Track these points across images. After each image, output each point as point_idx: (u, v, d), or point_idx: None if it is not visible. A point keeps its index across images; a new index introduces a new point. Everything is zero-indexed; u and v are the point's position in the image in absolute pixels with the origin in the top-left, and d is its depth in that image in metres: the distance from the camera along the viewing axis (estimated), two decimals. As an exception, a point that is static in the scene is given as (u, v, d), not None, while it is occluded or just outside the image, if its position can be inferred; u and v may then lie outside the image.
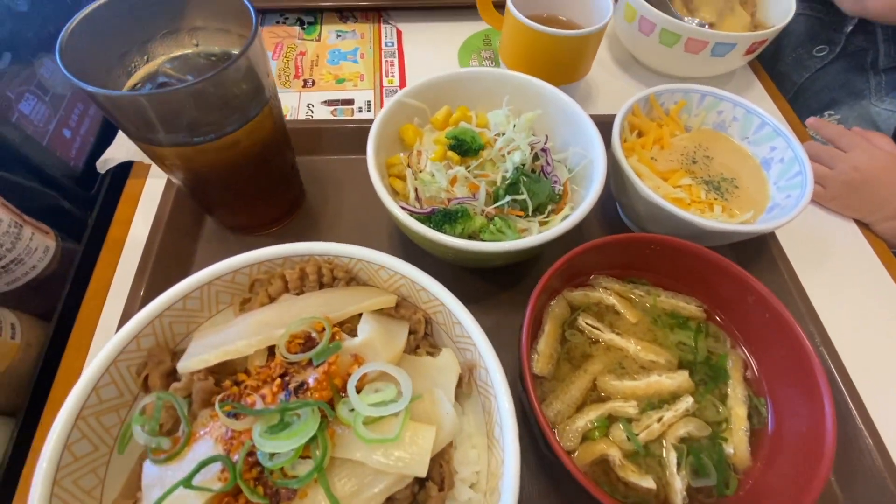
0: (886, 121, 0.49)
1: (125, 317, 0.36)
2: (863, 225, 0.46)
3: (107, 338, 0.37)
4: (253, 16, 0.30)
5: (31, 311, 0.40)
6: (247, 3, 0.31)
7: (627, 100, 0.54)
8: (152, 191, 0.46)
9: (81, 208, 0.45)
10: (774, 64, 0.59)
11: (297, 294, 0.28)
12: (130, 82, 0.34)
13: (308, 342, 0.24)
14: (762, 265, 0.41)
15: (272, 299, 0.27)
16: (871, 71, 0.51)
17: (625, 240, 0.30)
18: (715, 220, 0.36)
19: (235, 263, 0.26)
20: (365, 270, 0.28)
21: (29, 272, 0.38)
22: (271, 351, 0.25)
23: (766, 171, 0.41)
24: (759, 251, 0.41)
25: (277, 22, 0.59)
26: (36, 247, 0.38)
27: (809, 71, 0.56)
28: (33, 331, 0.39)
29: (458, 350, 0.27)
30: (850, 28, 0.54)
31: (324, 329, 0.24)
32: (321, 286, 0.28)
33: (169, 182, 0.42)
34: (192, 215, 0.42)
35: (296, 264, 0.28)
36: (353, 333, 0.26)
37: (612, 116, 0.42)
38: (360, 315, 0.26)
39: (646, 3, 0.49)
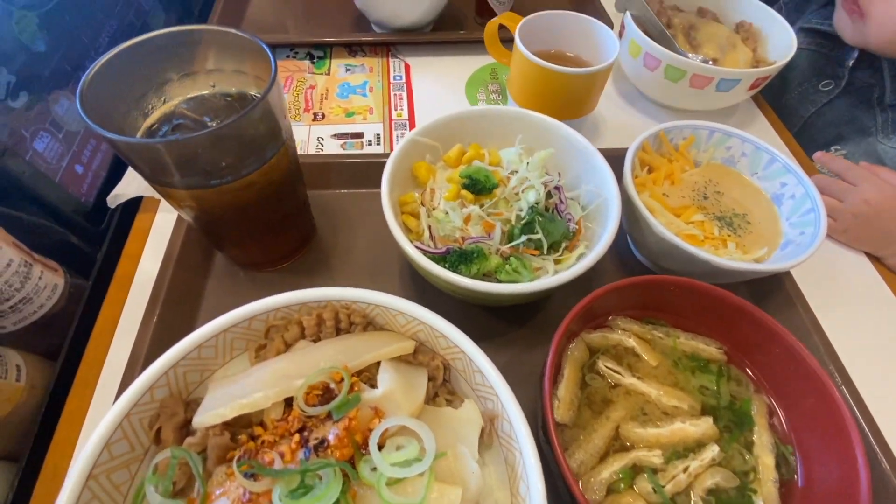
0: (893, 158, 0.49)
1: (134, 356, 0.35)
2: (874, 258, 0.46)
3: (113, 377, 0.36)
4: (272, 61, 0.31)
5: (37, 351, 0.39)
6: (265, 47, 0.31)
7: (635, 133, 0.54)
8: (162, 225, 0.46)
9: (90, 243, 0.45)
10: (780, 98, 0.60)
11: (314, 341, 0.27)
12: (147, 123, 0.34)
13: (326, 393, 0.24)
14: (778, 301, 0.40)
15: (288, 346, 0.27)
16: (878, 107, 0.52)
17: (643, 282, 0.30)
18: (730, 259, 0.36)
19: (252, 310, 0.26)
20: (382, 315, 0.28)
21: (36, 311, 0.38)
22: (288, 401, 0.24)
23: (777, 207, 0.41)
24: (774, 287, 0.41)
25: (288, 56, 0.60)
26: (45, 285, 0.38)
27: (815, 105, 0.57)
28: (38, 371, 0.38)
29: (479, 398, 0.26)
30: (852, 62, 0.54)
31: (342, 379, 0.24)
32: (338, 332, 0.28)
33: (179, 217, 0.42)
34: (202, 251, 0.42)
35: (313, 310, 0.27)
36: (371, 382, 0.26)
37: (621, 150, 0.42)
38: (379, 363, 0.26)
39: (650, 40, 0.50)
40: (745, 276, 0.36)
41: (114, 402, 0.33)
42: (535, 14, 0.48)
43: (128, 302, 0.41)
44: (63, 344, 0.39)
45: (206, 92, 0.36)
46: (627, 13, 0.53)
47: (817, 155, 0.48)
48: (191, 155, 0.29)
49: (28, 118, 0.39)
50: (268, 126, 0.31)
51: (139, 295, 0.41)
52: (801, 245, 0.37)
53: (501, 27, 0.51)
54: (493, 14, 0.61)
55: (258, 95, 0.36)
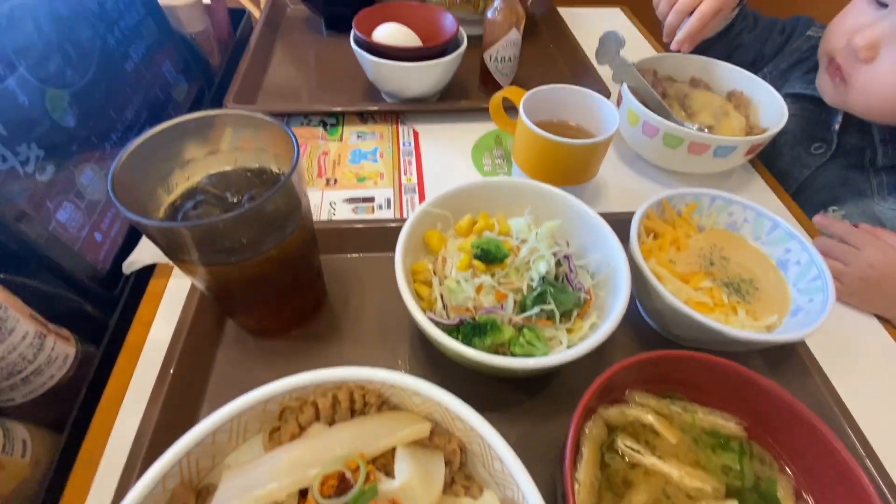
0: (893, 219, 0.50)
1: (142, 430, 0.35)
2: (885, 320, 0.46)
3: (120, 451, 0.35)
4: (294, 144, 0.32)
5: (43, 422, 0.39)
6: (289, 130, 0.33)
7: (637, 196, 0.56)
8: (175, 290, 0.46)
9: (103, 309, 0.45)
10: (774, 161, 0.62)
11: (329, 423, 0.27)
12: (170, 199, 0.35)
13: (342, 483, 0.23)
14: (793, 368, 0.40)
15: (302, 429, 0.27)
16: (871, 170, 0.53)
17: (659, 357, 0.30)
18: (742, 328, 0.36)
19: (267, 393, 0.26)
20: (397, 395, 0.28)
21: (46, 382, 0.38)
22: (303, 491, 0.24)
23: (783, 273, 0.42)
24: (788, 353, 0.41)
25: (302, 123, 0.63)
26: (56, 356, 0.38)
27: (809, 168, 0.59)
28: (43, 445, 0.37)
29: (497, 485, 0.26)
30: (838, 126, 0.57)
31: (358, 468, 0.23)
32: (353, 413, 0.27)
33: (193, 284, 0.43)
34: (213, 318, 0.42)
35: (328, 390, 0.27)
36: (388, 468, 0.25)
37: (626, 214, 0.44)
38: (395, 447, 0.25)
39: (647, 110, 0.53)
40: (757, 345, 0.36)
41: (119, 480, 0.33)
42: (538, 88, 0.51)
43: (137, 371, 0.41)
44: (70, 415, 0.39)
45: (229, 168, 0.38)
46: (624, 83, 0.56)
47: (817, 218, 0.49)
48: (213, 235, 0.30)
49: (53, 190, 0.41)
50: (289, 204, 0.33)
51: (149, 363, 0.41)
52: (810, 313, 0.37)
53: (506, 99, 0.54)
54: (496, 83, 0.65)
55: (278, 170, 0.37)
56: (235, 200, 0.35)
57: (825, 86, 0.53)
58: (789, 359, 0.40)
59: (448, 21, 0.61)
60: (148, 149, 0.32)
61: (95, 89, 0.47)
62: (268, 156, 0.37)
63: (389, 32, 0.59)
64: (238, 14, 0.80)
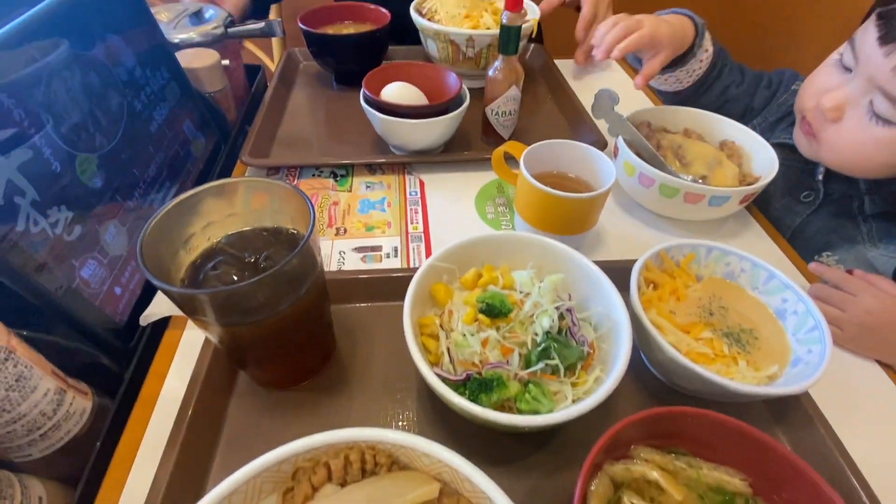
0: (885, 265, 0.52)
1: (155, 487, 0.35)
2: (886, 366, 0.47)
3: (133, 504, 0.36)
4: (311, 210, 0.34)
5: (58, 476, 0.39)
6: (305, 197, 0.35)
7: (636, 243, 0.58)
8: (189, 342, 0.47)
9: (118, 361, 0.47)
10: (766, 209, 0.64)
11: (341, 484, 0.28)
12: (190, 259, 0.37)
13: (355, 548, 0.24)
14: (796, 418, 0.40)
15: (315, 489, 0.27)
16: (860, 217, 0.55)
17: (664, 413, 0.31)
18: (744, 380, 0.37)
19: (282, 455, 0.27)
20: (407, 455, 0.28)
21: (63, 437, 0.38)
22: (316, 556, 0.24)
23: (782, 322, 0.43)
24: (791, 404, 0.41)
25: (314, 175, 0.66)
26: (74, 410, 0.39)
27: (800, 216, 0.61)
28: (58, 500, 0.38)
29: (507, 548, 0.26)
30: (822, 176, 0.59)
31: (371, 531, 0.24)
32: (363, 473, 0.28)
33: (207, 338, 0.44)
34: (226, 371, 0.43)
35: (340, 451, 0.28)
36: (398, 531, 0.26)
37: (625, 262, 0.45)
38: (405, 509, 0.26)
39: (643, 162, 0.55)
40: (760, 397, 0.36)
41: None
42: (538, 143, 0.54)
43: (151, 423, 0.42)
44: (84, 468, 0.39)
45: (246, 228, 0.40)
46: (620, 136, 0.59)
47: (812, 266, 0.51)
48: (233, 299, 0.31)
49: (79, 248, 0.43)
50: (305, 266, 0.35)
51: (163, 416, 0.42)
52: (810, 364, 0.38)
53: (507, 152, 0.57)
54: (497, 134, 0.68)
55: (293, 229, 0.40)
56: (252, 260, 0.37)
57: (800, 140, 0.56)
58: (792, 409, 0.41)
59: (452, 80, 0.65)
60: (172, 216, 0.34)
61: (122, 151, 0.50)
62: (283, 216, 0.39)
63: (397, 91, 0.63)
64: (253, 70, 0.85)
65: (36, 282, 0.39)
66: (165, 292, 0.30)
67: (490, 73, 0.62)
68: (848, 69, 0.49)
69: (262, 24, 0.74)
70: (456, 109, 0.61)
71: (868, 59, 0.46)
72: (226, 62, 0.71)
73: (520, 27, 0.57)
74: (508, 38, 0.58)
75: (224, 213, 0.38)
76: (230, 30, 0.73)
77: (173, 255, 0.36)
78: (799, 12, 1.61)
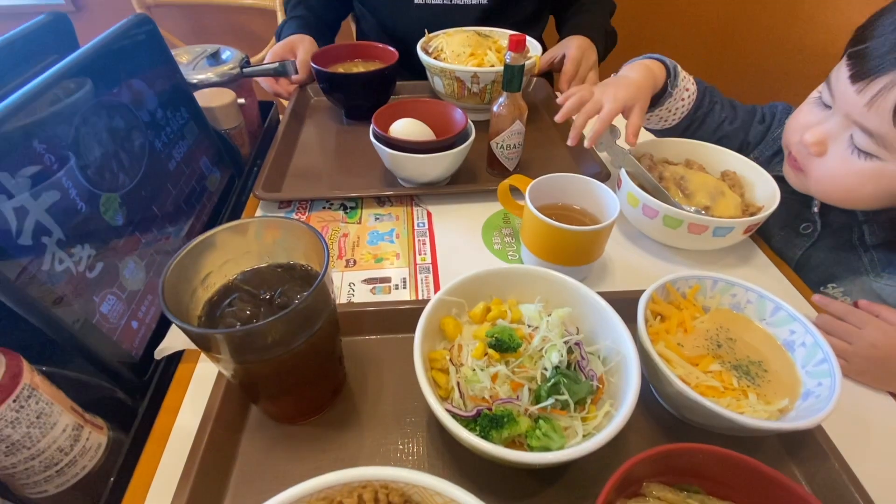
0: (891, 295, 0.52)
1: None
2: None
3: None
4: (325, 249, 0.36)
5: (70, 513, 0.40)
6: (319, 235, 0.37)
7: (642, 272, 0.58)
8: (202, 375, 0.48)
9: (133, 395, 0.47)
10: (769, 241, 0.65)
11: (355, 524, 0.28)
12: (207, 296, 0.39)
13: (369, 591, 0.24)
14: (809, 452, 0.40)
15: (329, 529, 0.28)
16: (861, 248, 0.56)
17: (676, 450, 0.31)
18: (755, 414, 0.37)
19: (297, 494, 0.27)
20: (419, 493, 0.29)
21: (79, 473, 0.39)
22: None
23: (791, 354, 0.43)
24: (805, 437, 0.41)
25: (324, 207, 0.68)
26: (91, 446, 0.40)
27: (801, 248, 0.61)
28: (70, 539, 0.38)
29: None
30: (817, 209, 0.60)
31: (385, 574, 0.24)
32: (377, 512, 0.28)
33: (220, 373, 0.45)
34: (238, 405, 0.44)
35: (353, 490, 0.28)
36: (412, 574, 0.26)
37: (632, 293, 0.46)
38: (419, 550, 0.26)
39: (646, 194, 0.56)
40: (772, 432, 0.36)
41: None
42: (543, 177, 0.55)
43: (164, 458, 0.42)
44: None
45: (261, 265, 0.41)
46: (623, 168, 0.61)
47: (815, 298, 0.51)
48: (249, 338, 0.32)
49: (100, 285, 0.44)
50: (320, 303, 0.36)
51: (176, 450, 0.42)
52: (821, 397, 0.38)
53: (512, 185, 0.58)
54: (502, 166, 0.70)
55: (306, 265, 0.41)
56: (268, 297, 0.38)
57: (789, 174, 0.58)
58: (806, 442, 0.41)
59: (458, 115, 0.67)
60: (191, 256, 0.36)
61: (142, 188, 0.52)
62: (297, 252, 0.41)
63: (405, 127, 0.65)
64: (266, 106, 0.88)
65: (54, 315, 0.40)
66: (186, 332, 0.31)
67: (495, 108, 0.64)
68: (828, 106, 0.51)
69: (276, 65, 0.78)
70: (462, 144, 0.63)
71: (843, 97, 0.48)
72: (241, 100, 0.74)
73: (523, 65, 0.59)
74: (512, 76, 0.60)
75: (240, 250, 0.40)
76: (245, 70, 0.76)
77: (192, 294, 0.37)
78: (790, 54, 1.67)
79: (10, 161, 0.37)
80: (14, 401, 0.33)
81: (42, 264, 0.39)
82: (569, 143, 0.61)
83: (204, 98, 0.68)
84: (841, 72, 0.48)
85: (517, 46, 0.58)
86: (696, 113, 0.69)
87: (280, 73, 0.78)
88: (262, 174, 0.68)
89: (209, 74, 0.74)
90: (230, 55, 0.78)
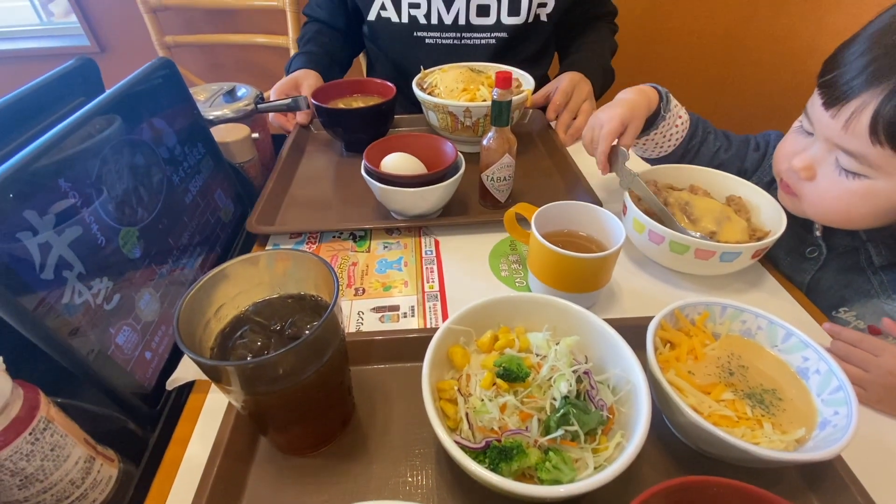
0: (905, 318, 0.51)
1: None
2: (919, 425, 0.45)
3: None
4: (335, 279, 0.36)
5: (78, 549, 0.39)
6: (329, 268, 0.37)
7: (649, 298, 0.58)
8: (212, 407, 0.48)
9: (144, 426, 0.48)
10: (777, 265, 0.64)
11: (364, 561, 0.27)
12: (220, 327, 0.39)
13: None
14: (830, 483, 0.39)
15: (338, 566, 0.27)
16: (869, 270, 0.55)
17: (691, 483, 0.30)
18: (770, 444, 0.36)
19: (307, 528, 0.27)
20: (429, 528, 0.28)
21: (87, 507, 0.39)
22: None
23: (805, 382, 0.42)
24: (824, 468, 0.40)
25: (334, 237, 0.69)
26: (101, 478, 0.40)
27: (808, 273, 0.61)
28: (77, 575, 0.37)
29: None
30: (819, 232, 0.60)
31: None
32: (386, 548, 0.28)
33: (230, 405, 0.45)
34: (248, 437, 0.44)
35: (362, 524, 0.28)
36: None
37: (640, 319, 0.46)
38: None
39: (651, 220, 0.57)
40: (790, 464, 0.36)
41: None
42: (548, 205, 0.56)
43: (173, 490, 0.42)
44: (104, 541, 0.39)
45: (272, 296, 0.42)
46: (627, 195, 0.61)
47: (826, 326, 0.50)
48: (261, 370, 0.33)
49: (116, 316, 0.46)
50: (329, 333, 0.36)
51: (185, 483, 0.42)
52: (838, 427, 0.37)
53: (518, 213, 0.59)
54: (494, 198, 0.70)
55: (316, 295, 0.42)
56: (279, 328, 0.39)
57: (784, 199, 0.60)
58: (825, 474, 0.39)
59: (448, 148, 0.69)
60: (205, 289, 0.37)
61: (160, 222, 0.54)
62: (307, 283, 0.42)
63: (395, 161, 0.67)
64: (280, 139, 0.91)
65: (71, 346, 0.40)
66: (198, 364, 0.31)
67: (484, 142, 0.65)
68: (810, 133, 0.54)
69: (288, 100, 0.81)
70: (451, 178, 0.65)
71: (820, 123, 0.51)
72: (255, 135, 0.77)
73: (510, 101, 0.60)
74: (500, 111, 0.61)
75: (252, 282, 0.41)
76: (260, 106, 0.79)
77: (205, 326, 0.38)
78: (793, 74, 1.72)
79: (38, 199, 0.38)
80: (30, 433, 0.34)
81: (62, 297, 0.40)
82: (601, 172, 0.66)
83: (220, 133, 0.71)
84: (815, 100, 0.51)
85: (504, 83, 0.59)
86: (690, 142, 0.71)
87: (292, 108, 0.81)
88: (257, 206, 0.69)
89: (225, 111, 0.77)
90: (245, 92, 0.81)
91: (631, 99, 0.65)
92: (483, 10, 0.94)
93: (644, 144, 0.73)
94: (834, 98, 0.48)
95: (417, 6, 0.93)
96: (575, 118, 0.88)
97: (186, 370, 0.49)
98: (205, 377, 0.50)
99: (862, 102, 0.45)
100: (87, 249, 0.43)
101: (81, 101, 0.59)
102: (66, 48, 1.82)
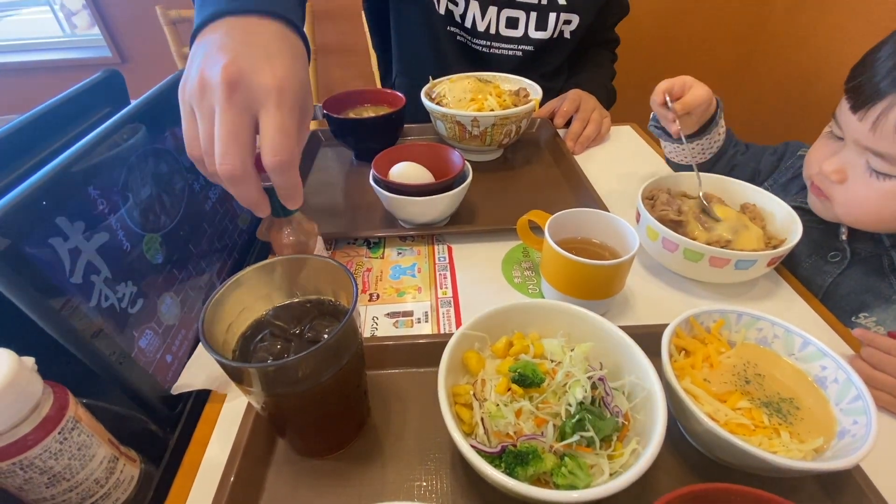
0: (927, 326, 0.50)
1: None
2: (943, 437, 0.44)
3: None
4: (354, 284, 0.37)
5: (100, 547, 0.40)
6: (348, 272, 0.38)
7: (664, 305, 0.58)
8: (229, 413, 0.49)
9: (164, 428, 0.49)
10: (796, 269, 0.64)
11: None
12: (241, 331, 0.40)
13: None
14: (849, 494, 0.38)
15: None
16: (892, 275, 0.55)
17: (706, 491, 0.30)
18: (788, 453, 0.36)
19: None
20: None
21: (110, 507, 0.40)
22: None
23: (824, 391, 0.42)
24: (843, 478, 0.39)
25: (349, 244, 0.70)
26: (124, 478, 0.41)
27: (830, 276, 0.60)
28: (100, 573, 0.38)
29: None
30: (844, 236, 0.60)
31: None
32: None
33: (248, 406, 0.46)
34: (266, 440, 0.45)
35: (381, 526, 0.29)
36: None
37: (655, 326, 0.46)
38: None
39: (665, 228, 0.57)
40: (809, 473, 0.35)
41: None
42: (561, 212, 0.56)
43: (193, 491, 0.43)
44: (125, 540, 0.40)
45: (291, 300, 0.43)
46: (640, 202, 0.61)
47: (857, 332, 0.49)
48: (281, 371, 0.34)
49: (140, 320, 0.47)
50: (348, 337, 0.37)
51: (204, 483, 0.43)
52: (857, 436, 0.37)
53: (531, 220, 0.60)
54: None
55: (334, 299, 0.42)
56: (298, 332, 0.40)
57: (814, 203, 0.61)
58: (844, 483, 0.39)
59: (456, 157, 0.69)
60: (226, 296, 0.38)
61: (181, 228, 0.55)
62: (326, 287, 0.42)
63: (403, 170, 0.68)
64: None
65: (95, 347, 0.42)
66: (222, 365, 0.32)
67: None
68: (840, 138, 0.55)
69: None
70: (458, 186, 0.66)
71: (849, 127, 0.52)
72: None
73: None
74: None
75: (273, 286, 0.42)
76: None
77: (227, 330, 0.39)
78: (803, 89, 1.71)
79: (68, 206, 0.40)
80: (59, 433, 0.35)
81: (90, 300, 0.41)
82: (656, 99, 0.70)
83: (238, 142, 0.73)
84: (843, 105, 0.53)
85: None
86: (724, 150, 0.75)
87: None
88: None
89: (243, 119, 0.79)
90: (263, 102, 0.83)
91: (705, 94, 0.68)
92: (512, 23, 0.98)
93: (693, 149, 0.75)
94: (861, 101, 0.49)
95: (456, 3, 0.97)
96: (585, 128, 0.89)
97: (192, 377, 0.50)
98: (212, 386, 0.51)
99: (889, 103, 0.46)
100: (114, 255, 0.45)
101: (108, 111, 0.61)
102: (89, 59, 1.87)
